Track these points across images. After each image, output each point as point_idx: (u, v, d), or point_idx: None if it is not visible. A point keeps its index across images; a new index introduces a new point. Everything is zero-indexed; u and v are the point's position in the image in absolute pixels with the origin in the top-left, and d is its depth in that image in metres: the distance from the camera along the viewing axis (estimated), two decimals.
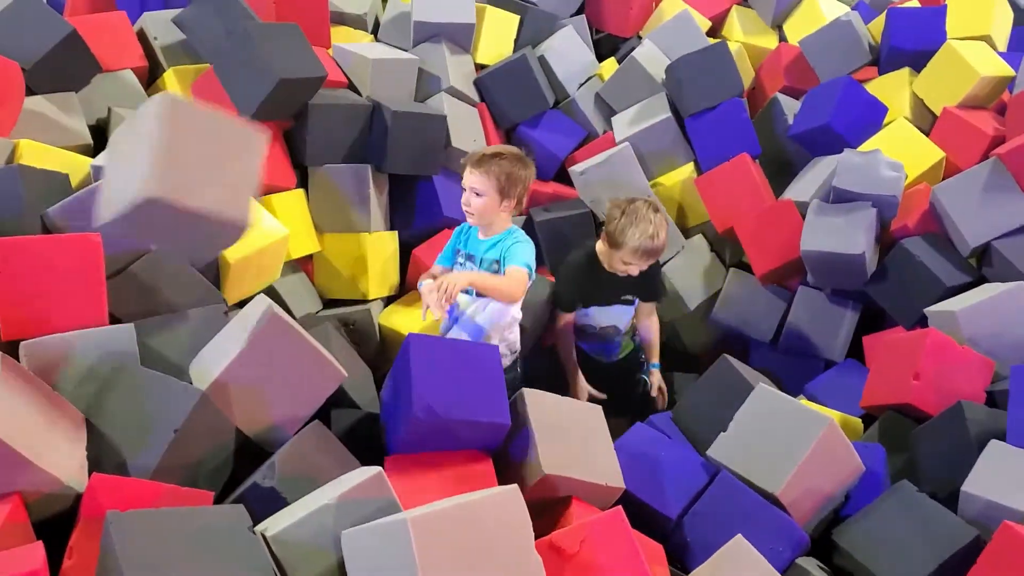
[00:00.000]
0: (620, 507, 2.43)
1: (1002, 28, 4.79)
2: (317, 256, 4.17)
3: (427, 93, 4.55)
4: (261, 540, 2.11)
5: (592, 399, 3.84)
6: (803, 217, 4.17)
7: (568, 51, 5.03)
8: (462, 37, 4.75)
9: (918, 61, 4.60)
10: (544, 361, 4.01)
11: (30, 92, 3.54)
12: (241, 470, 2.51)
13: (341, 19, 4.76)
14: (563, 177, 4.88)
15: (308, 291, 4.11)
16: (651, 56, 4.90)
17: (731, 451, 2.95)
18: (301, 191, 4.05)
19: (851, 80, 4.50)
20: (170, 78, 4.05)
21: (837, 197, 4.10)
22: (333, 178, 4.11)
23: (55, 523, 2.18)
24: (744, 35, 5.40)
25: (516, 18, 5.00)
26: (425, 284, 3.34)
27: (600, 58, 5.28)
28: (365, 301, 4.20)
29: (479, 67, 4.88)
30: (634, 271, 3.77)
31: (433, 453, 2.53)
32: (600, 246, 3.85)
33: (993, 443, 2.95)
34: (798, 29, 5.22)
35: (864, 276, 4.00)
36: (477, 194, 3.37)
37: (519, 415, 2.65)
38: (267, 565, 2.05)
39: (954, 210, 3.90)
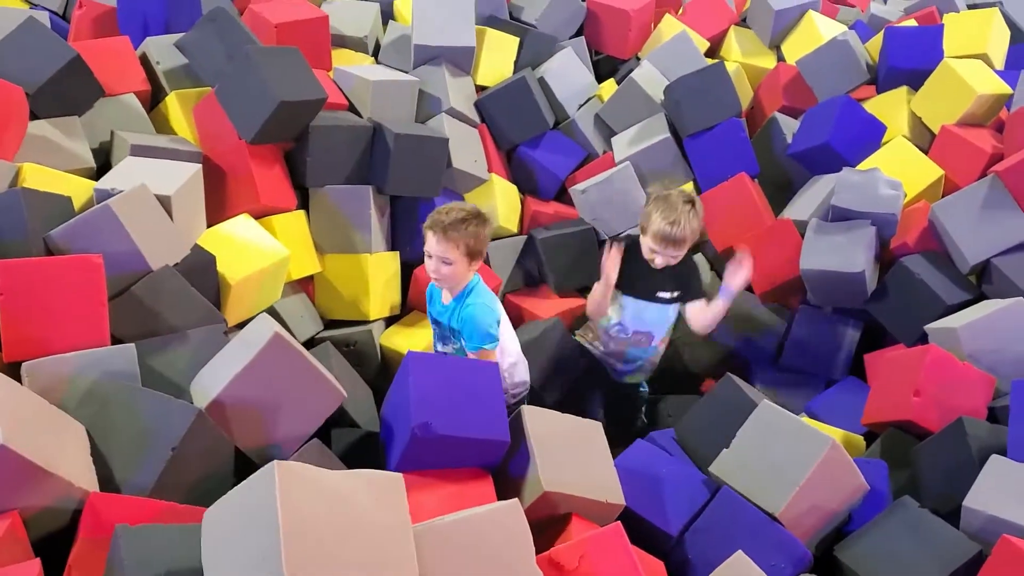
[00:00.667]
0: (619, 523, 2.42)
1: (999, 46, 4.81)
2: (318, 277, 4.18)
3: (428, 115, 4.57)
4: None
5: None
6: (802, 236, 4.18)
7: (567, 72, 5.06)
8: (462, 59, 4.78)
9: (916, 80, 4.62)
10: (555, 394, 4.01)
11: (34, 116, 3.56)
12: None
13: (342, 42, 4.80)
14: (563, 197, 4.90)
15: (309, 312, 4.12)
16: (650, 77, 4.92)
17: (733, 468, 2.95)
18: (302, 212, 4.07)
19: (849, 99, 4.52)
20: (172, 102, 4.08)
21: (836, 215, 4.11)
22: (334, 199, 4.13)
23: (52, 541, 2.18)
24: (742, 55, 5.43)
25: (516, 40, 5.03)
26: None
27: (599, 79, 5.31)
28: (366, 322, 4.20)
29: (479, 89, 4.90)
30: (659, 261, 3.65)
31: (433, 471, 2.53)
32: (642, 237, 3.75)
33: (994, 458, 2.95)
34: (796, 49, 5.24)
35: (864, 294, 4.00)
36: (445, 262, 3.27)
37: (519, 432, 2.65)
38: None
39: (953, 228, 3.91)
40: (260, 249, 3.58)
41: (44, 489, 2.16)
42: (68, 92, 3.70)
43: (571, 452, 2.68)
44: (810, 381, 4.30)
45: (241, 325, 3.16)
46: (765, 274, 4.33)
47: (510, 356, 3.47)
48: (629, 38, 5.39)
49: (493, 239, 4.56)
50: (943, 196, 4.15)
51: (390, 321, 4.34)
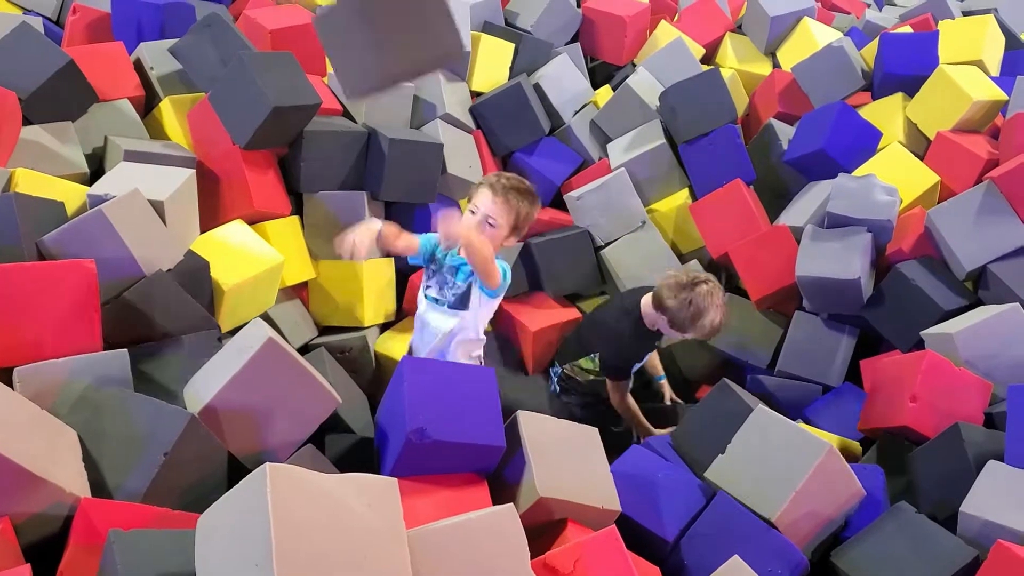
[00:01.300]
0: (614, 526, 2.41)
1: (994, 53, 4.81)
2: (312, 283, 4.16)
3: (422, 120, 4.57)
4: None
5: None
6: (798, 242, 4.17)
7: (563, 79, 5.07)
8: (457, 65, 4.78)
9: (911, 86, 4.63)
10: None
11: (27, 121, 3.55)
12: None
13: None
14: (558, 203, 4.90)
15: (303, 318, 4.10)
16: (645, 83, 4.93)
17: (729, 474, 2.94)
18: (296, 218, 4.06)
19: (845, 105, 4.52)
20: (166, 107, 4.07)
21: (832, 222, 4.11)
22: (328, 205, 4.12)
23: (43, 548, 2.16)
24: (738, 62, 5.44)
25: (511, 46, 5.04)
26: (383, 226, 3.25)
27: (595, 86, 5.33)
28: (361, 328, 4.19)
29: (474, 95, 4.90)
30: (689, 337, 3.85)
31: (428, 476, 2.51)
32: (648, 312, 3.84)
33: (991, 463, 2.95)
34: (791, 55, 5.25)
35: (860, 301, 4.00)
36: (491, 224, 3.25)
37: (514, 437, 2.63)
38: None
39: (949, 234, 3.90)
40: (254, 255, 3.56)
41: (35, 495, 2.14)
42: (62, 97, 3.69)
43: (567, 457, 2.66)
44: (806, 387, 4.28)
45: (235, 331, 3.14)
46: (761, 281, 4.33)
47: (480, 333, 3.48)
48: (625, 44, 5.40)
49: None
50: (939, 202, 4.15)
51: (384, 327, 4.33)
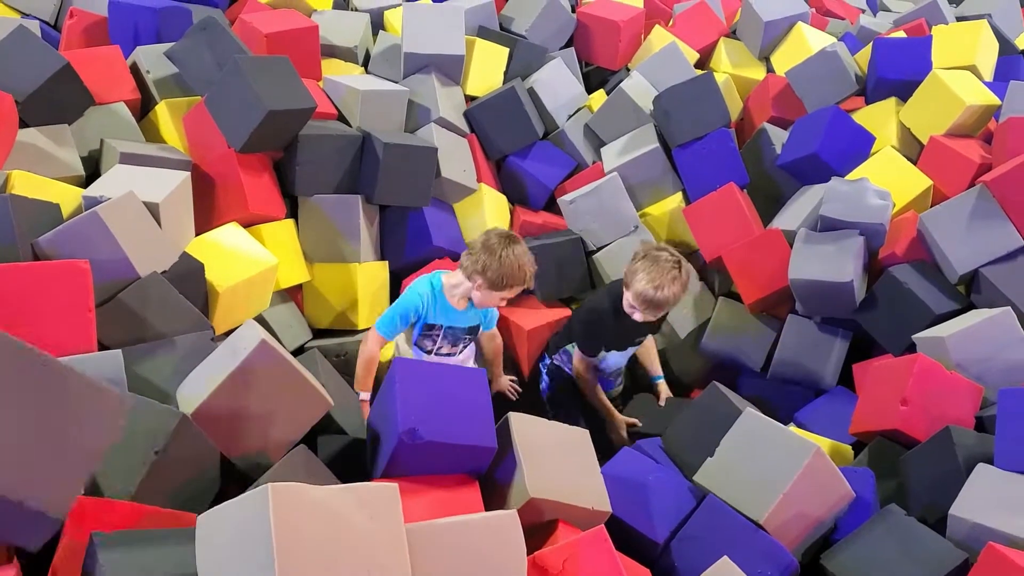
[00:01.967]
0: (603, 526, 2.43)
1: (987, 58, 4.83)
2: (307, 286, 4.18)
3: (417, 124, 4.59)
4: None
5: (631, 426, 3.95)
6: (791, 246, 4.18)
7: (557, 83, 5.08)
8: (452, 69, 4.80)
9: (904, 91, 4.64)
10: None
11: (24, 124, 3.57)
12: (228, 493, 2.50)
13: (332, 52, 4.81)
14: (552, 207, 4.91)
15: (298, 321, 4.12)
16: (639, 88, 4.94)
17: (717, 477, 2.96)
18: (291, 221, 4.08)
19: (838, 110, 4.53)
20: (162, 110, 4.08)
21: (825, 225, 4.12)
22: (323, 208, 4.14)
23: None
24: (732, 67, 5.45)
25: (505, 50, 5.05)
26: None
27: (589, 90, 5.34)
28: (355, 331, 4.20)
29: (469, 99, 4.92)
30: (638, 317, 3.69)
31: (419, 477, 2.52)
32: (624, 293, 3.78)
33: (981, 467, 2.97)
34: (785, 60, 5.26)
35: (852, 304, 4.01)
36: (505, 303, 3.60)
37: (505, 439, 2.64)
38: None
39: (941, 237, 3.92)
40: (249, 257, 3.58)
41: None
42: (58, 100, 3.71)
43: (558, 459, 2.68)
44: (799, 391, 4.30)
45: (229, 333, 3.16)
46: (754, 284, 4.34)
47: None
48: (619, 49, 5.41)
49: None
50: (932, 206, 4.16)
51: None
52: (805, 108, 4.91)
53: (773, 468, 2.87)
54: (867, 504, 3.09)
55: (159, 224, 3.20)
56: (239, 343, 2.64)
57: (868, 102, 4.86)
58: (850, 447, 3.64)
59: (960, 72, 4.56)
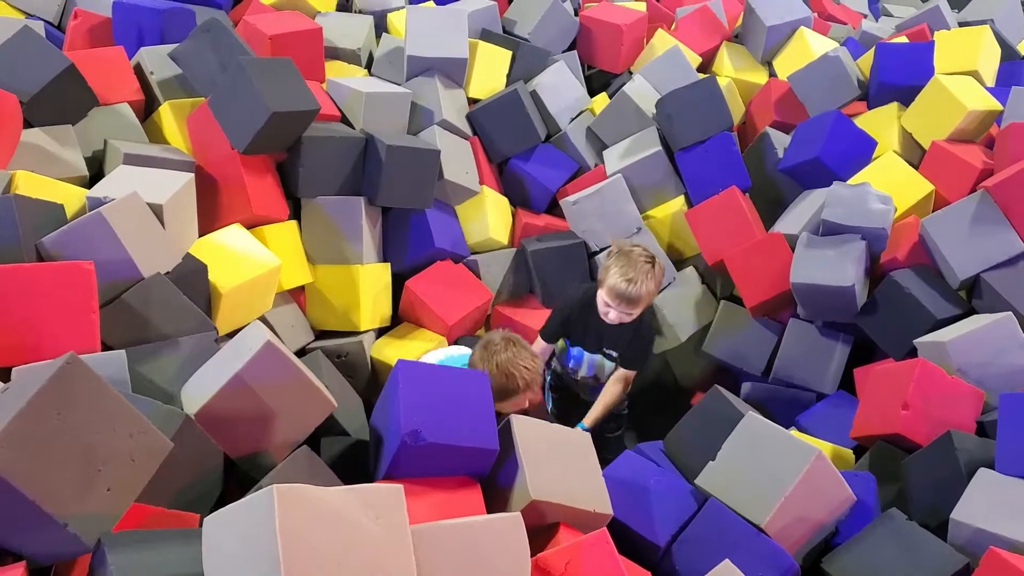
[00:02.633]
0: (605, 529, 2.43)
1: (990, 63, 4.83)
2: (309, 287, 4.19)
3: (420, 126, 4.59)
4: None
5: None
6: (793, 250, 4.19)
7: (560, 86, 5.09)
8: (455, 72, 4.80)
9: (906, 96, 4.64)
10: None
11: (28, 124, 3.57)
12: (231, 494, 2.51)
13: (335, 54, 4.82)
14: (554, 210, 4.92)
15: (300, 322, 4.12)
16: (642, 91, 4.95)
17: (719, 480, 2.96)
18: (294, 222, 4.09)
19: (840, 114, 4.54)
20: (166, 111, 4.09)
21: (826, 230, 4.13)
22: (326, 210, 4.15)
23: None
24: (734, 71, 5.46)
25: (508, 53, 5.06)
26: None
27: (592, 93, 5.35)
28: (357, 333, 4.21)
29: (471, 101, 4.92)
30: (613, 317, 3.61)
31: (421, 479, 2.53)
32: (599, 289, 3.73)
33: (982, 471, 2.97)
34: (787, 65, 5.27)
35: (854, 308, 4.01)
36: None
37: (507, 441, 2.65)
38: None
39: (943, 242, 3.92)
40: (251, 259, 3.59)
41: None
42: (62, 101, 3.71)
43: (559, 462, 2.68)
44: (800, 395, 4.31)
45: (232, 334, 3.16)
46: (756, 288, 4.34)
47: None
48: (621, 52, 5.42)
49: (484, 252, 4.59)
50: (933, 211, 4.16)
51: (380, 332, 4.35)
52: (807, 112, 4.92)
53: (774, 472, 2.87)
54: (868, 508, 3.09)
55: (163, 225, 3.21)
56: (244, 344, 2.65)
57: (870, 107, 4.86)
58: (851, 451, 3.65)
59: (962, 77, 4.57)
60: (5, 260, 2.75)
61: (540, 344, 3.88)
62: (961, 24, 5.56)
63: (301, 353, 3.95)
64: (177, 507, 2.29)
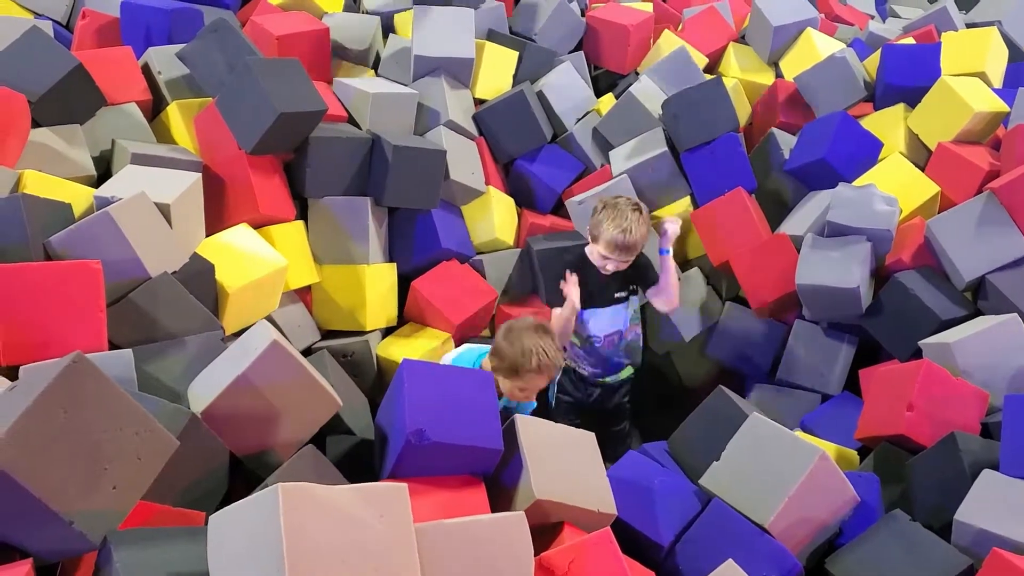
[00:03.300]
0: (608, 528, 2.44)
1: (997, 64, 4.82)
2: (316, 287, 4.20)
3: (426, 127, 4.60)
4: None
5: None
6: (798, 251, 4.19)
7: (566, 86, 5.09)
8: (461, 72, 4.81)
9: (913, 97, 4.64)
10: None
11: (36, 124, 3.59)
12: (236, 492, 2.52)
13: (343, 54, 4.83)
14: (560, 210, 4.92)
15: (307, 322, 4.14)
16: (648, 92, 4.95)
17: (723, 480, 2.96)
18: (300, 223, 4.10)
19: (846, 115, 4.54)
20: (173, 111, 4.11)
21: (832, 231, 4.13)
22: (332, 210, 4.16)
23: None
24: (741, 71, 5.46)
25: (515, 54, 5.07)
26: None
27: (598, 94, 5.35)
28: (363, 332, 4.22)
29: (478, 102, 4.93)
30: (611, 267, 3.79)
31: (426, 478, 2.54)
32: (588, 247, 3.89)
33: (986, 472, 2.97)
34: (794, 66, 5.26)
35: (859, 309, 4.02)
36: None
37: (512, 441, 2.65)
38: None
39: (948, 244, 3.92)
40: (258, 258, 3.60)
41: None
42: (70, 101, 3.73)
43: (564, 461, 2.68)
44: (806, 396, 4.32)
45: (239, 334, 3.18)
46: (761, 289, 4.35)
47: None
48: (628, 53, 5.42)
49: (489, 252, 4.60)
50: (939, 213, 4.16)
51: (386, 332, 4.36)
52: (814, 113, 4.92)
53: (778, 472, 2.88)
54: (872, 509, 3.10)
55: (170, 225, 3.22)
56: (250, 343, 2.66)
57: (876, 108, 4.86)
58: (856, 452, 3.65)
59: (969, 79, 4.56)
60: (13, 259, 2.77)
61: (555, 318, 3.95)
62: (969, 25, 5.55)
63: (308, 352, 3.96)
64: (183, 505, 2.30)
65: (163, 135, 4.10)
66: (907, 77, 4.73)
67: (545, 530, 2.57)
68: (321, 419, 2.74)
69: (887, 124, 4.67)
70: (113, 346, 2.82)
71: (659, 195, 4.77)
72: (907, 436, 3.32)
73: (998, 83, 4.79)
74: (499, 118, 4.83)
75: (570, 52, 5.42)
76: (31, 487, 1.93)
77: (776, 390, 4.40)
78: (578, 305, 3.84)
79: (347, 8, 5.20)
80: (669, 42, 5.40)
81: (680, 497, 2.98)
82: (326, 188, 4.15)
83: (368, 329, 4.24)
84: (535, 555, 2.32)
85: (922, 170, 4.39)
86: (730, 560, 2.56)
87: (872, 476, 3.25)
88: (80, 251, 2.93)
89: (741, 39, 5.70)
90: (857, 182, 4.31)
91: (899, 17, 6.65)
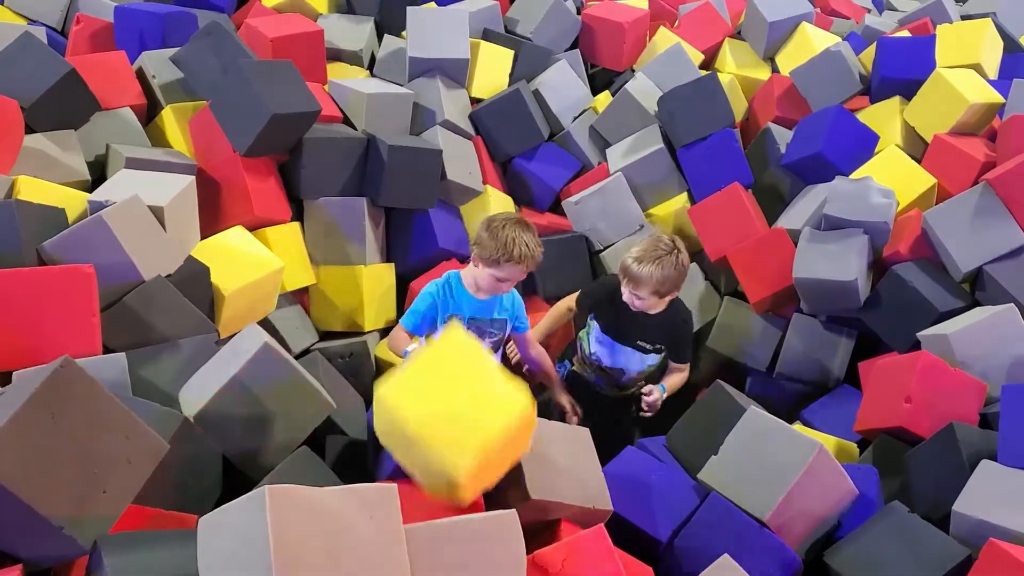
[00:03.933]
0: (602, 525, 2.43)
1: (992, 56, 4.82)
2: (313, 289, 4.20)
3: (422, 127, 4.60)
4: None
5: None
6: (796, 245, 4.19)
7: (562, 85, 5.09)
8: (457, 72, 4.81)
9: (909, 90, 4.64)
10: None
11: (30, 130, 3.60)
12: (230, 495, 2.51)
13: (337, 55, 4.84)
14: (558, 209, 4.92)
15: (304, 323, 4.14)
16: (644, 89, 4.95)
17: (721, 475, 2.95)
18: (296, 224, 4.10)
19: (842, 109, 4.54)
20: (168, 115, 4.11)
21: (829, 224, 4.12)
22: (329, 211, 4.16)
23: None
24: (737, 67, 5.45)
25: (511, 53, 5.07)
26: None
27: (594, 91, 5.35)
28: (361, 333, 4.22)
29: (474, 101, 4.93)
30: (637, 303, 3.54)
31: None
32: None
33: (984, 463, 2.97)
34: (790, 60, 5.26)
35: (857, 302, 4.01)
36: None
37: None
38: None
39: (945, 235, 3.92)
40: (254, 260, 3.60)
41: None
42: (64, 106, 3.74)
43: (559, 458, 2.67)
44: (805, 389, 4.32)
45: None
46: (759, 283, 4.35)
47: None
48: (624, 50, 5.42)
49: None
50: (936, 204, 4.16)
51: (384, 333, 4.35)
52: (809, 108, 4.92)
53: (777, 466, 2.87)
54: (871, 501, 3.09)
55: (164, 228, 3.22)
56: (242, 346, 2.66)
57: (872, 101, 4.86)
58: (856, 445, 3.64)
59: (964, 70, 4.55)
60: (6, 265, 2.77)
61: (570, 304, 3.94)
62: (964, 17, 5.56)
63: (306, 354, 3.96)
64: (176, 509, 2.30)
65: (158, 139, 4.10)
66: (903, 70, 4.72)
67: (541, 528, 2.57)
68: (314, 421, 2.74)
69: (883, 117, 4.67)
70: (108, 350, 2.81)
71: (656, 192, 4.77)
72: (906, 428, 3.31)
73: (993, 75, 4.79)
74: (496, 117, 4.83)
75: (566, 50, 5.42)
76: (20, 493, 1.91)
77: (775, 384, 4.40)
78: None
79: (341, 9, 5.20)
80: (665, 39, 5.40)
81: (678, 492, 2.96)
82: (321, 189, 4.15)
83: (367, 330, 4.24)
84: (531, 553, 2.32)
85: (918, 162, 4.39)
86: (726, 555, 2.55)
87: (870, 468, 3.24)
88: (74, 255, 2.93)
89: (737, 35, 5.70)
90: (854, 175, 4.31)
91: (895, 10, 6.65)
